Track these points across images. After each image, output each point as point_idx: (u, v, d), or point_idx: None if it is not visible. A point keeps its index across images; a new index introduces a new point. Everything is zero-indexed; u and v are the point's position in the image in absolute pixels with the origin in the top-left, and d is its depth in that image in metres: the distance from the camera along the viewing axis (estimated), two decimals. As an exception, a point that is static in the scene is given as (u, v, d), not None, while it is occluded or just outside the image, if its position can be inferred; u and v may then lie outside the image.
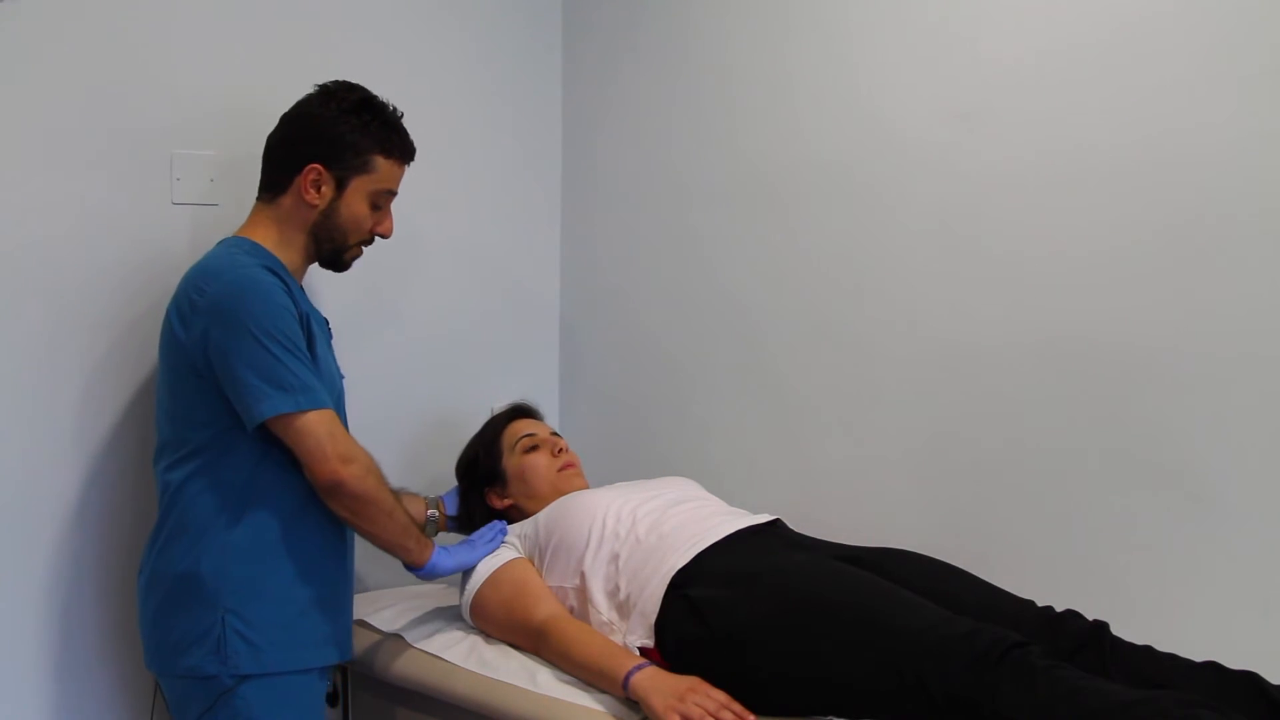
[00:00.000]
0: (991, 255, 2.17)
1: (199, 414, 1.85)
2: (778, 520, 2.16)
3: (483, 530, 2.16)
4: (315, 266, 2.06)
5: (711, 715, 1.74)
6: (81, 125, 2.02)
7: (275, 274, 1.87)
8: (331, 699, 2.23)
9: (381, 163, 1.98)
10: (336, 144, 1.94)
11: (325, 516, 1.92)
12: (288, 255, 1.96)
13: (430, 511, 2.30)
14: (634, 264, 2.72)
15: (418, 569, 1.98)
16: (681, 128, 2.61)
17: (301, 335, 1.84)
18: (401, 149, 2.01)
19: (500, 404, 2.50)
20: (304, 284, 2.05)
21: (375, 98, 1.99)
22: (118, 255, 2.07)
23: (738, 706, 1.76)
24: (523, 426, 2.37)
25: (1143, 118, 1.98)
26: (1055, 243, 2.09)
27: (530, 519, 2.21)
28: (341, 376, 2.04)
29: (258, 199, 2.00)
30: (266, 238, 1.95)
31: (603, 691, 1.88)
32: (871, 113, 2.30)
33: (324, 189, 1.94)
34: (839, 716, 1.75)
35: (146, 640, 1.90)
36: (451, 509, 2.35)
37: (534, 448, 2.32)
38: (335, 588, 1.96)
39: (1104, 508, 2.05)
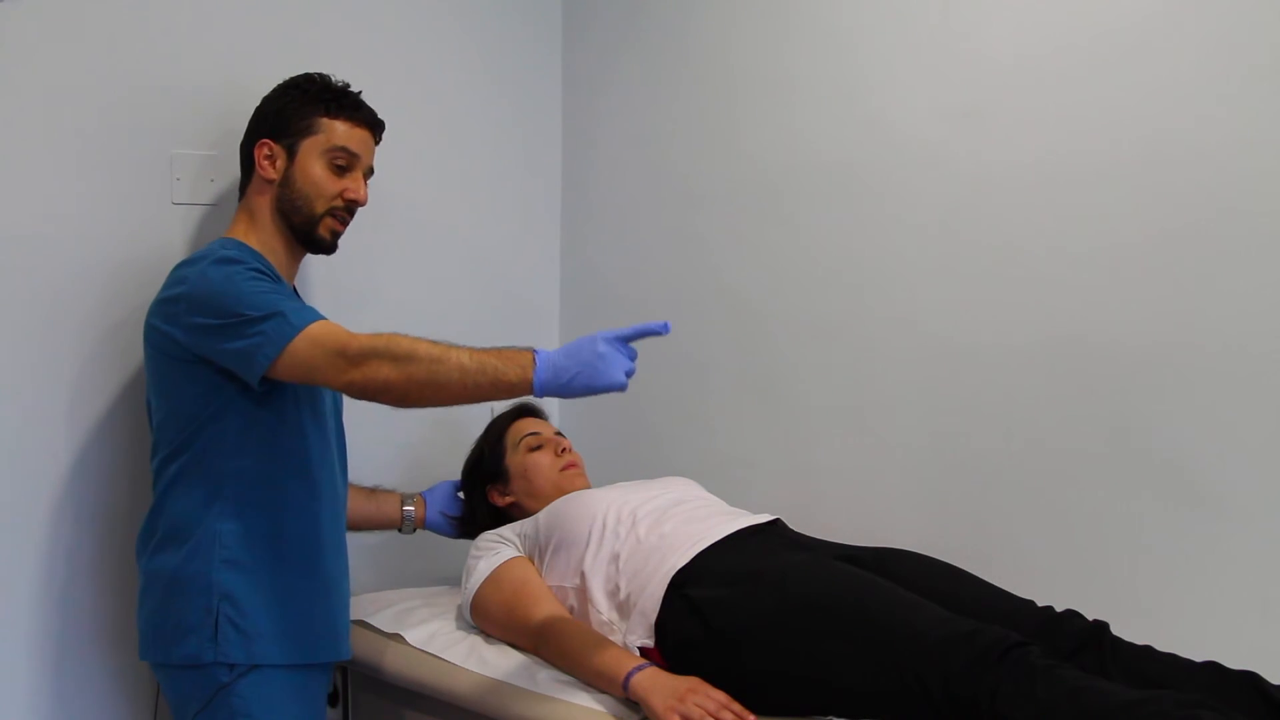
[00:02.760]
0: (992, 254, 2.17)
1: (184, 408, 1.85)
2: (778, 520, 2.16)
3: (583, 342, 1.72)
4: (303, 269, 2.06)
5: (711, 715, 1.74)
6: (81, 125, 2.02)
7: (261, 261, 1.88)
8: (331, 699, 2.23)
9: (326, 122, 1.96)
10: (280, 116, 1.96)
11: (317, 509, 1.93)
12: (268, 245, 1.96)
13: (406, 508, 2.29)
14: (634, 264, 2.72)
15: (532, 391, 1.69)
16: (681, 127, 2.61)
17: (273, 287, 1.82)
18: (349, 108, 1.98)
19: (501, 404, 2.50)
20: (301, 285, 2.05)
21: (320, 74, 2.00)
22: (118, 255, 2.07)
23: (738, 706, 1.76)
24: (527, 425, 2.37)
25: (1142, 116, 1.98)
26: (1056, 242, 2.09)
27: (531, 518, 2.21)
28: None
29: (238, 203, 2.03)
30: (247, 234, 1.96)
31: (603, 691, 1.88)
32: (872, 112, 2.30)
33: (277, 161, 1.95)
34: (839, 716, 1.75)
35: (143, 631, 1.91)
36: (437, 504, 2.33)
37: (538, 446, 2.32)
38: (331, 583, 1.96)
39: (1104, 507, 2.05)
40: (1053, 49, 2.07)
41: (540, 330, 2.84)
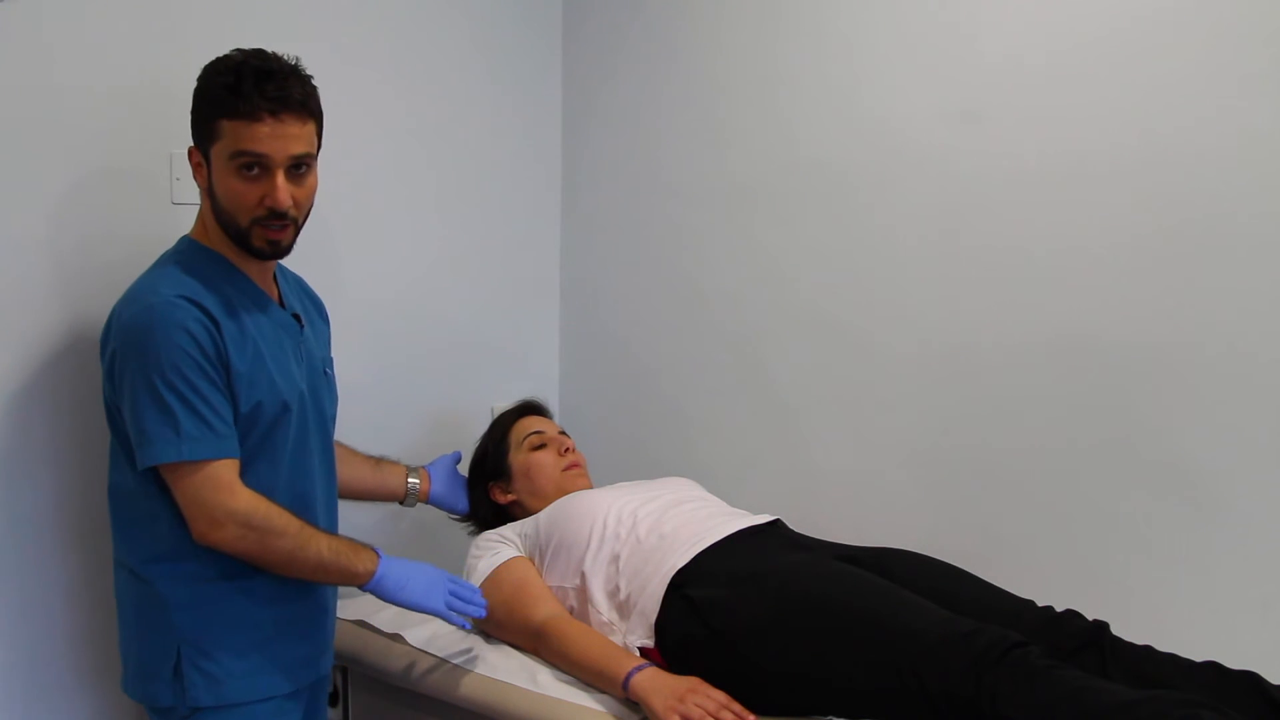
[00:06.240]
0: (991, 255, 2.17)
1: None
2: (778, 520, 2.16)
3: (425, 575, 1.90)
4: (303, 271, 2.04)
5: (711, 715, 1.74)
6: (81, 125, 2.02)
7: (194, 302, 1.72)
8: (331, 699, 2.23)
9: (227, 125, 1.70)
10: (195, 119, 1.76)
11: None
12: (221, 248, 1.83)
13: (411, 481, 2.24)
14: (634, 264, 2.72)
15: (363, 586, 1.83)
16: (681, 127, 2.61)
17: (206, 374, 1.70)
18: (245, 102, 1.68)
19: (501, 404, 2.50)
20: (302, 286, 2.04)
21: (228, 57, 1.74)
22: (117, 255, 2.06)
23: (738, 707, 1.76)
24: (531, 424, 2.37)
25: (1142, 116, 1.99)
26: (1055, 242, 2.09)
27: (531, 518, 2.21)
28: (328, 364, 1.97)
29: None
30: (204, 233, 1.84)
31: (603, 692, 1.89)
32: (871, 113, 2.30)
33: (202, 169, 1.77)
34: (839, 716, 1.75)
35: (123, 661, 1.84)
36: (441, 479, 2.29)
37: (541, 445, 2.32)
38: (306, 606, 1.87)
39: (1104, 507, 2.06)
40: (1053, 49, 2.07)
41: (540, 329, 2.84)
